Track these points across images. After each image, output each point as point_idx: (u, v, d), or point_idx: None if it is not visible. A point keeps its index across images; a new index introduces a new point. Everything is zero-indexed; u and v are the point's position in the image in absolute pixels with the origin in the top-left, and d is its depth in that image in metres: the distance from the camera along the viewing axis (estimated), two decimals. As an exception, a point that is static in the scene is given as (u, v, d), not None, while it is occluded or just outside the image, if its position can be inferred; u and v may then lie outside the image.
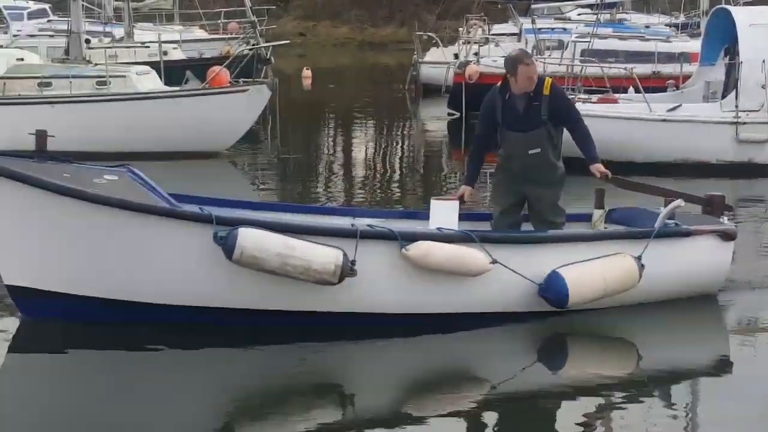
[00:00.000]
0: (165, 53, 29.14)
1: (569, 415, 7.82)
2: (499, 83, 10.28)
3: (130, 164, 10.17)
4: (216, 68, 22.73)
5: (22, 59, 23.43)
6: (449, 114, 28.42)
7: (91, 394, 8.24)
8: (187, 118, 20.88)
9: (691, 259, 10.31)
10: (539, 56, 26.34)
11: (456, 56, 30.99)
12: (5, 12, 40.94)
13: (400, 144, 27.48)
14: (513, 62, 10.08)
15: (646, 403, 8.17)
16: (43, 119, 20.53)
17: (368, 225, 9.61)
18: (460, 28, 34.79)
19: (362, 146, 26.42)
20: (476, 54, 29.62)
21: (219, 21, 41.87)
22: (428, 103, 31.82)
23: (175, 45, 33.89)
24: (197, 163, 20.62)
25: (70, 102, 21.20)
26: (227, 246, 8.84)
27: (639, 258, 9.83)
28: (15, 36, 34.80)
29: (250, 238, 8.86)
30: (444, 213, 10.19)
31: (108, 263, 9.25)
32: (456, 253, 9.37)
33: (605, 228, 10.45)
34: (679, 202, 10.34)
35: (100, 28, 32.84)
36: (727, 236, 10.45)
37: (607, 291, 9.70)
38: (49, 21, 39.41)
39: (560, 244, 9.92)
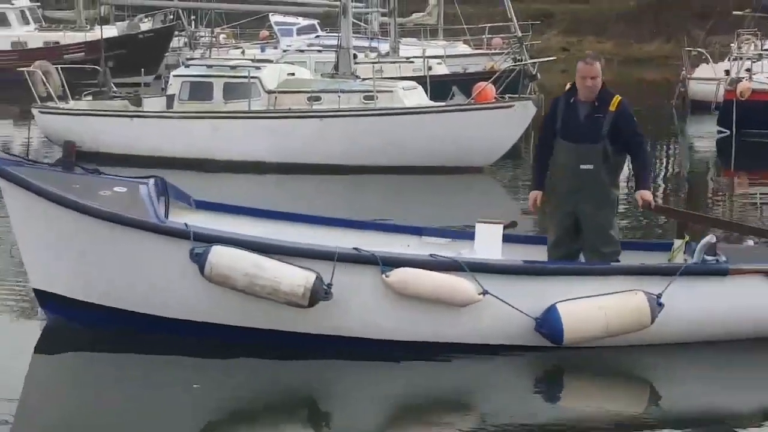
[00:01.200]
0: (430, 68, 29.53)
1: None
2: (567, 86, 9.84)
3: (159, 175, 10.49)
4: (482, 84, 22.92)
5: (293, 74, 24.15)
6: (719, 132, 27.90)
7: (75, 395, 8.80)
8: (452, 134, 21.16)
9: (731, 300, 9.44)
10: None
11: (727, 72, 30.38)
12: (276, 28, 42.46)
13: (664, 161, 27.12)
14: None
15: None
16: (311, 132, 21.40)
17: (354, 248, 9.27)
18: (732, 44, 34.12)
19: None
20: (748, 70, 28.93)
21: (483, 36, 42.21)
22: (696, 120, 31.29)
23: (439, 60, 34.34)
24: (460, 178, 20.88)
25: (339, 116, 21.77)
26: (200, 263, 8.99)
27: (658, 296, 9.16)
28: (285, 51, 36.09)
29: (220, 257, 8.96)
30: (488, 236, 10.00)
31: (95, 271, 9.57)
32: (440, 282, 9.03)
33: (684, 260, 9.76)
34: (710, 237, 9.68)
35: (366, 44, 33.69)
36: None
37: (610, 330, 9.12)
38: (317, 36, 40.52)
39: (564, 277, 9.39)
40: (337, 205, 17.61)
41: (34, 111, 24.46)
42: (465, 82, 25.70)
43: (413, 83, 23.74)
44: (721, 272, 9.48)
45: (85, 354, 9.62)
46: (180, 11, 42.64)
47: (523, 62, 25.52)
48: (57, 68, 25.07)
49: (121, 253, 9.45)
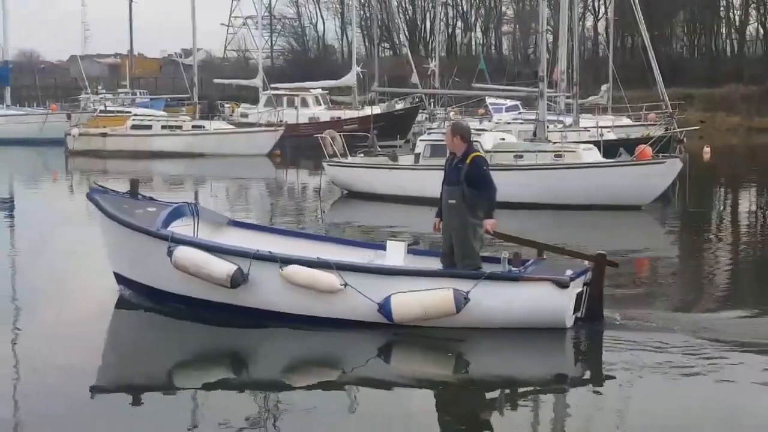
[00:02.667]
0: (602, 135, 29.19)
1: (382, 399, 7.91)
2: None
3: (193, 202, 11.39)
4: (642, 146, 22.56)
5: (503, 139, 24.28)
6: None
7: (132, 336, 9.96)
8: (620, 182, 20.89)
9: (525, 299, 9.38)
10: None
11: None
12: (490, 107, 42.81)
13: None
14: None
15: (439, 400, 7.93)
16: (517, 180, 21.38)
17: (269, 251, 9.75)
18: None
19: (747, 202, 25.20)
20: None
21: (641, 112, 41.46)
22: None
23: (609, 129, 33.84)
24: (625, 213, 20.54)
25: (536, 169, 21.74)
26: (170, 256, 9.83)
27: (466, 293, 9.24)
28: (497, 123, 36.24)
29: (180, 253, 9.78)
30: (394, 250, 10.48)
31: (131, 259, 10.62)
32: (313, 276, 9.48)
33: (510, 269, 9.75)
34: (505, 254, 9.84)
35: (555, 117, 33.46)
36: (560, 285, 9.36)
37: (427, 315, 9.30)
38: (519, 113, 40.61)
39: (400, 276, 9.56)
40: (529, 233, 17.60)
41: (324, 164, 25.30)
42: (628, 145, 25.31)
43: (590, 145, 23.55)
44: (514, 279, 9.54)
45: (139, 312, 10.54)
46: (423, 96, 43.35)
47: (672, 131, 24.95)
48: (340, 135, 25.90)
49: (139, 248, 10.40)
